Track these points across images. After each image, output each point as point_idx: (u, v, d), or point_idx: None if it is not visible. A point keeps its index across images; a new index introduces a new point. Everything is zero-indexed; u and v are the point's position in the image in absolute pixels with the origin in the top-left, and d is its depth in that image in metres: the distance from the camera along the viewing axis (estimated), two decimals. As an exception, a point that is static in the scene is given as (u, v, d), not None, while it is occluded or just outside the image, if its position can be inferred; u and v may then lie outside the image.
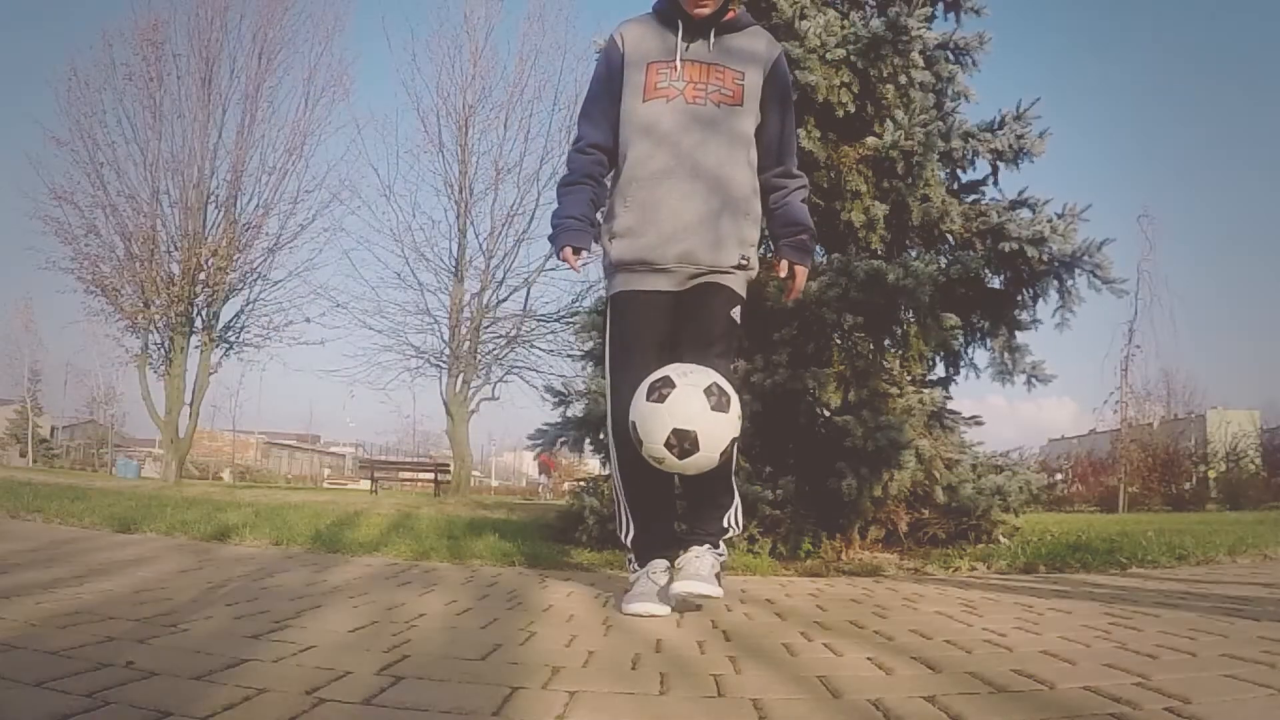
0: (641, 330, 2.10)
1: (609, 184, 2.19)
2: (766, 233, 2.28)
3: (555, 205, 2.16)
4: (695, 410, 1.83)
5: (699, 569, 1.98)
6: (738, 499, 2.17)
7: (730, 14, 2.12)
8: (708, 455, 1.85)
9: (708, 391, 1.85)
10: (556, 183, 2.22)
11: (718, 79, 2.07)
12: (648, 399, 1.86)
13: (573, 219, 2.09)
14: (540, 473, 24.53)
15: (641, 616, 1.91)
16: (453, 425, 14.95)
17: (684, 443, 1.81)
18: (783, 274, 2.23)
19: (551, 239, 2.12)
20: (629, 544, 2.15)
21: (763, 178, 2.20)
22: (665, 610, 1.94)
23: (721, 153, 2.06)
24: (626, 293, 2.11)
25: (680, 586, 1.93)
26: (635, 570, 2.12)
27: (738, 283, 2.12)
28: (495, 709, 1.06)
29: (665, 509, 2.18)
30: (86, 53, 15.38)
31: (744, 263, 2.11)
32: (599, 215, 2.17)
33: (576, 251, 2.08)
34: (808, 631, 1.74)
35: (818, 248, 4.37)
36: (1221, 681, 1.20)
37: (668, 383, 1.86)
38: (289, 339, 15.64)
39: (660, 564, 2.08)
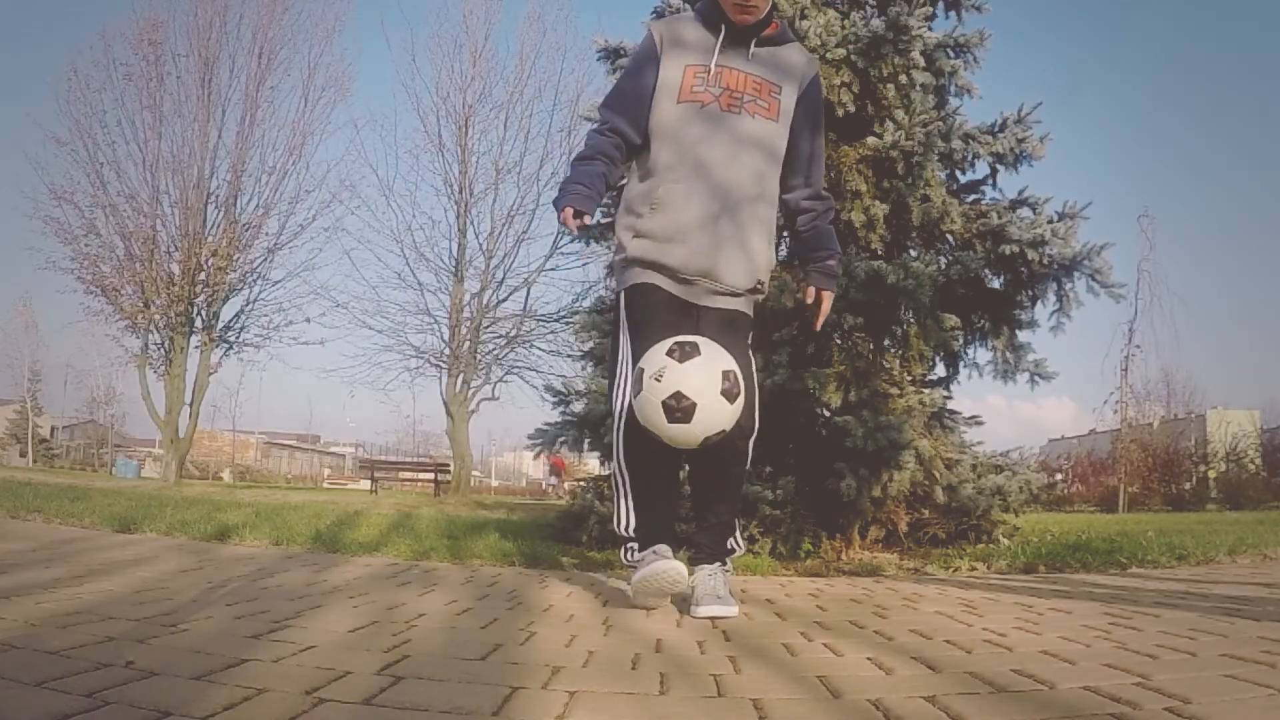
0: (656, 317, 2.03)
1: (630, 174, 2.15)
2: (791, 254, 2.26)
3: (567, 175, 2.12)
4: (704, 386, 1.80)
5: (715, 589, 1.98)
6: (738, 520, 2.17)
7: (772, 26, 2.09)
8: (697, 431, 1.82)
9: (724, 375, 1.83)
10: (571, 159, 2.17)
11: (754, 90, 2.05)
12: (666, 353, 1.83)
13: (581, 185, 2.04)
14: (551, 474, 24.33)
15: (665, 582, 1.88)
16: (453, 425, 14.95)
17: (681, 404, 1.79)
18: (809, 300, 2.20)
19: (555, 202, 2.07)
20: (630, 534, 2.10)
21: (790, 198, 2.17)
22: (683, 571, 1.91)
23: (750, 168, 2.04)
24: (645, 284, 2.06)
25: (701, 610, 1.92)
26: (636, 554, 2.06)
27: (749, 306, 2.12)
28: (495, 709, 1.06)
29: (670, 501, 2.14)
30: (86, 53, 15.38)
31: (759, 287, 2.10)
32: (628, 208, 2.12)
33: (578, 215, 2.01)
34: (808, 631, 1.74)
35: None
36: (1221, 681, 1.20)
37: (694, 349, 1.83)
38: (289, 339, 15.66)
39: (664, 547, 2.04)
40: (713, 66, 2.04)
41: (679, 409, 1.80)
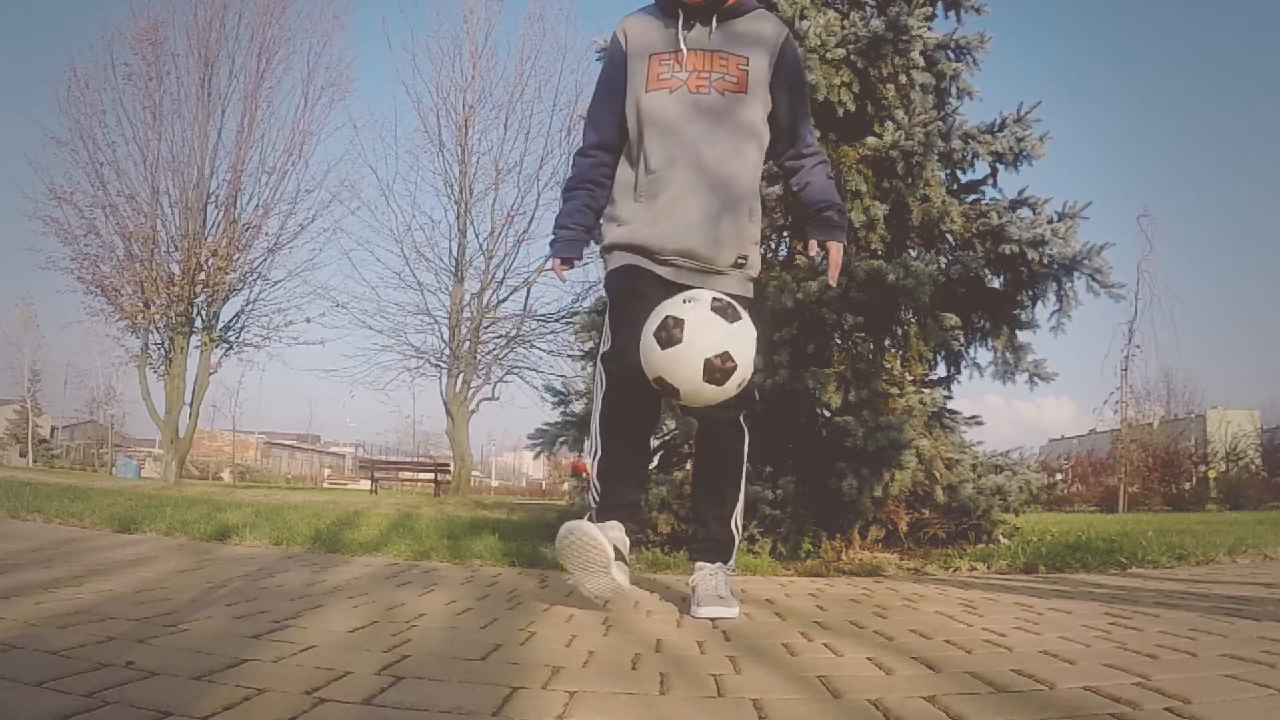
0: (637, 297, 1.99)
1: (615, 178, 2.16)
2: (796, 223, 2.24)
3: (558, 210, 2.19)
4: (718, 334, 1.76)
5: (716, 589, 1.98)
6: (743, 501, 2.15)
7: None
8: (744, 368, 1.79)
9: (718, 310, 1.79)
10: (562, 188, 2.23)
11: (721, 66, 2.04)
12: (663, 348, 1.77)
13: (566, 229, 2.11)
14: (572, 476, 24.16)
15: (582, 545, 1.84)
16: (453, 425, 14.94)
17: (725, 364, 1.75)
18: (813, 253, 2.16)
19: (550, 244, 2.16)
20: (596, 479, 2.05)
21: (778, 162, 2.18)
22: (602, 543, 1.85)
23: (726, 145, 2.03)
24: (629, 266, 2.05)
25: (702, 611, 1.92)
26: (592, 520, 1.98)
27: (735, 284, 2.08)
28: (495, 709, 1.06)
29: (639, 465, 2.14)
30: (86, 53, 15.43)
31: (741, 262, 2.07)
32: (608, 208, 2.15)
33: (567, 263, 2.13)
34: (808, 631, 1.74)
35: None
36: (1221, 681, 1.20)
37: (677, 323, 1.77)
38: (289, 339, 15.62)
39: (617, 524, 1.98)
40: (679, 52, 2.04)
41: (665, 334, 1.76)
